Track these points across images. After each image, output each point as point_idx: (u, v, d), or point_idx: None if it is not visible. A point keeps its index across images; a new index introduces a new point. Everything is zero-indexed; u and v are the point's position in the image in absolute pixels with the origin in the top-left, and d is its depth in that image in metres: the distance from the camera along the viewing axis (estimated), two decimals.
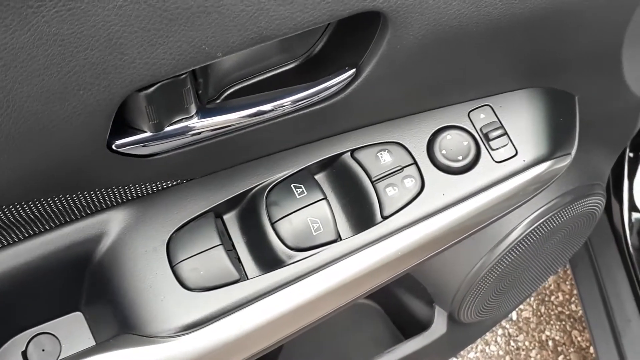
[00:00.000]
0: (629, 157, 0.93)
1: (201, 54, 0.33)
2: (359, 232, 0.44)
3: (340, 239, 0.44)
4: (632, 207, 0.97)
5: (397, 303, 0.78)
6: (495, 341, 1.26)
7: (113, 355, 0.40)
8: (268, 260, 0.43)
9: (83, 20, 0.30)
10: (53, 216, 0.41)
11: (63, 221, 0.42)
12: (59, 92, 0.31)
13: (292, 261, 0.43)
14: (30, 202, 0.38)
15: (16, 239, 0.41)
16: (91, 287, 0.45)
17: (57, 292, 0.45)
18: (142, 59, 0.32)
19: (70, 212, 0.41)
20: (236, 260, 0.43)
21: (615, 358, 0.99)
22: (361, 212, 0.44)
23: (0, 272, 0.41)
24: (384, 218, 0.44)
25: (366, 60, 0.38)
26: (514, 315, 1.28)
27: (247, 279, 0.43)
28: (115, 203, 0.42)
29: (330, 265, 0.43)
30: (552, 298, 1.30)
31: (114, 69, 0.31)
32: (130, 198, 0.42)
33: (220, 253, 0.42)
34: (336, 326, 0.80)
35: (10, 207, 0.38)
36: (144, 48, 0.31)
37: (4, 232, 0.40)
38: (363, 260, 0.43)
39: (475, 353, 1.25)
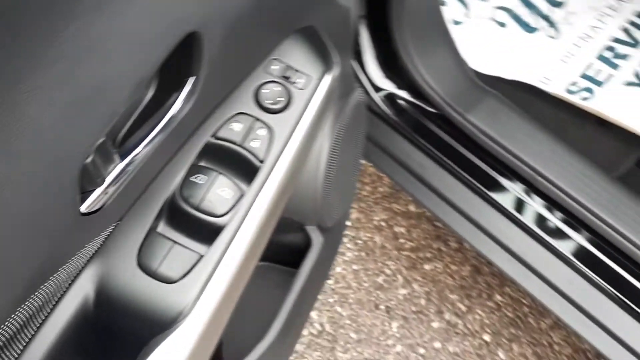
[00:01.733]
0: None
1: (112, 115, 0.47)
2: (254, 180, 0.60)
3: (245, 191, 0.60)
4: (376, 89, 1.22)
5: (273, 247, 0.95)
6: (347, 248, 1.49)
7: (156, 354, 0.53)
8: (209, 234, 0.58)
9: (41, 135, 0.42)
10: (45, 303, 0.51)
11: (54, 303, 0.52)
12: (42, 189, 0.43)
13: (225, 223, 0.58)
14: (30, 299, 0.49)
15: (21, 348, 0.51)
16: (95, 342, 0.57)
17: None
18: (83, 139, 0.45)
19: (55, 293, 0.52)
20: (188, 250, 0.58)
21: (429, 195, 1.24)
22: (246, 168, 0.61)
23: None
24: (262, 161, 0.61)
25: (196, 67, 0.54)
26: (348, 222, 1.51)
27: (205, 254, 0.57)
28: (83, 264, 0.54)
29: (251, 210, 0.59)
30: (363, 193, 1.55)
31: (69, 156, 0.44)
32: (92, 254, 0.54)
33: (178, 248, 0.57)
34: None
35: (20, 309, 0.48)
36: (80, 133, 0.45)
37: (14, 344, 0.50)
38: (268, 194, 0.60)
39: (341, 266, 1.47)
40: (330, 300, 1.44)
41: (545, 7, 1.24)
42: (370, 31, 1.16)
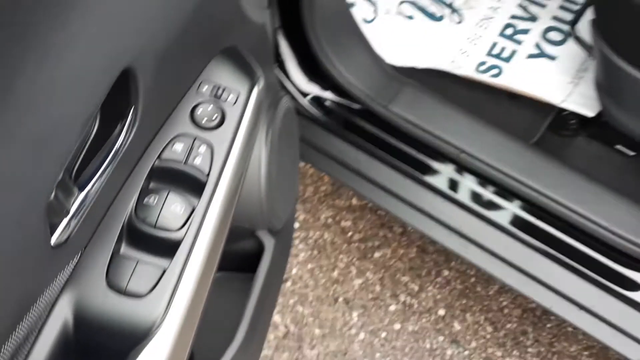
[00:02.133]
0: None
1: (68, 153, 0.51)
2: (202, 193, 0.66)
3: (196, 205, 0.65)
4: (303, 94, 1.28)
5: (229, 256, 1.00)
6: (300, 250, 1.55)
7: None
8: (169, 249, 0.63)
9: (8, 179, 0.47)
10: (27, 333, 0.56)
11: (37, 331, 0.57)
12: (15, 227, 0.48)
13: (182, 236, 0.64)
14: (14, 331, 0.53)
15: None
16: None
17: None
18: (45, 178, 0.50)
19: (37, 322, 0.56)
20: (152, 266, 0.63)
21: (369, 187, 1.31)
22: (193, 183, 0.66)
23: None
24: (208, 175, 0.66)
25: (134, 98, 0.59)
26: (296, 224, 1.57)
27: (168, 267, 0.63)
28: (58, 292, 0.58)
29: (204, 221, 0.65)
30: (306, 194, 1.62)
31: (35, 195, 0.49)
32: (65, 281, 0.59)
33: (142, 265, 0.62)
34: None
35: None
36: (42, 173, 0.49)
37: None
38: (217, 204, 0.66)
39: (296, 267, 1.53)
40: (291, 301, 1.50)
41: None
42: (289, 40, 1.22)
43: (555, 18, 1.29)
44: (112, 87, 0.56)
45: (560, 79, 1.21)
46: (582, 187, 1.10)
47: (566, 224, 1.13)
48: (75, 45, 0.50)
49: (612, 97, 1.09)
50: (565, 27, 1.27)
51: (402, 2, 1.32)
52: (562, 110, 1.19)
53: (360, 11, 1.30)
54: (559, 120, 1.19)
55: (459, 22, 1.30)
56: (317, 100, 1.27)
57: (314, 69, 1.24)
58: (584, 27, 1.23)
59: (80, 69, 0.51)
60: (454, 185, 1.21)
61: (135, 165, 0.65)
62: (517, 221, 1.17)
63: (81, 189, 0.57)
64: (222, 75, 0.72)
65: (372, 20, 1.30)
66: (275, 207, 0.93)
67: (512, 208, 1.16)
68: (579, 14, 1.27)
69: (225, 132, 0.69)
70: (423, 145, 1.21)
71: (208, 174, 0.67)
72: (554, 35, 1.27)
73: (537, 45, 1.26)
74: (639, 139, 1.11)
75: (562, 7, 1.30)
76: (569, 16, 1.29)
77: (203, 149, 0.67)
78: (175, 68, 0.64)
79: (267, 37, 0.90)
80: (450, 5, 1.32)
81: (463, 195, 1.20)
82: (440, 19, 1.31)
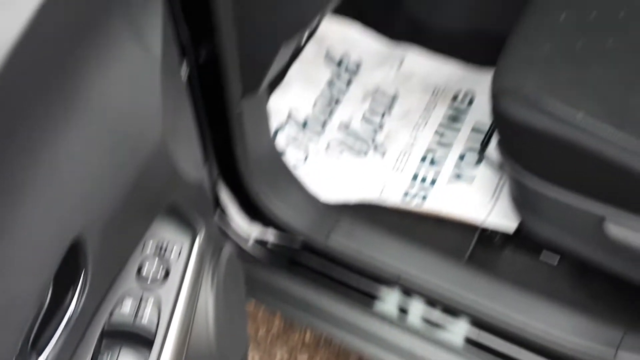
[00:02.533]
0: None
1: (25, 323, 0.55)
2: (152, 348, 0.70)
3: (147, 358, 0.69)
4: (245, 236, 1.33)
5: None
6: None
7: None
8: None
9: None
10: None
11: None
12: None
13: None
14: None
15: None
16: None
17: None
18: (5, 350, 0.53)
19: None
20: None
21: (320, 320, 1.34)
22: (143, 338, 0.70)
23: None
24: (157, 328, 0.71)
25: (83, 264, 0.64)
26: None
27: None
28: None
29: None
30: (260, 335, 1.63)
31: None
32: None
33: None
34: None
35: None
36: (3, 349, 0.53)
37: None
38: (167, 355, 0.70)
39: None
40: None
41: (368, 133, 1.44)
42: (229, 186, 1.30)
43: (469, 141, 1.41)
44: (63, 256, 0.61)
45: (480, 199, 1.30)
46: (516, 297, 1.17)
47: (509, 334, 1.18)
48: (27, 223, 0.56)
49: (527, 210, 1.19)
50: (479, 148, 1.39)
51: (329, 144, 1.43)
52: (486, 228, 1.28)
53: (292, 155, 1.40)
54: (485, 238, 1.28)
55: (383, 155, 1.41)
56: (260, 241, 1.33)
57: (254, 212, 1.30)
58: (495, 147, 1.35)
59: (33, 244, 0.56)
60: (401, 310, 1.25)
61: (88, 327, 0.69)
62: (465, 339, 1.21)
63: (38, 355, 0.60)
64: (165, 232, 0.78)
65: (303, 164, 1.40)
66: (225, 352, 0.96)
67: (458, 327, 1.21)
68: (489, 136, 1.39)
69: (170, 286, 0.74)
70: (365, 273, 1.27)
71: (156, 328, 0.71)
72: (469, 158, 1.38)
73: (456, 169, 1.37)
74: (558, 248, 1.19)
75: (474, 130, 1.42)
76: (480, 138, 1.40)
77: (150, 304, 0.72)
78: (121, 232, 0.70)
79: (206, 190, 0.97)
80: (373, 141, 1.43)
81: (412, 319, 1.24)
82: (365, 154, 1.41)
